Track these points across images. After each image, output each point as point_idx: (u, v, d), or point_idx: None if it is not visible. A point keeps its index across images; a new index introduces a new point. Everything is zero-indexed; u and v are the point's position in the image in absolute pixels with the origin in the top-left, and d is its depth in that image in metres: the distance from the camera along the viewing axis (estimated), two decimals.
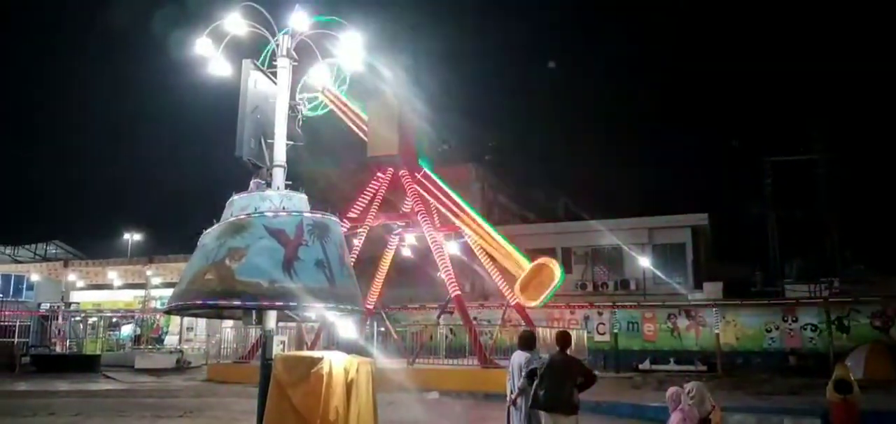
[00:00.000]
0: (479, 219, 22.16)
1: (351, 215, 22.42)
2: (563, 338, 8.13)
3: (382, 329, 23.92)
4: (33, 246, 43.11)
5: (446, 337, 23.90)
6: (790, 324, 24.62)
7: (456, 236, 23.10)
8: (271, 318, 7.05)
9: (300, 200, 7.12)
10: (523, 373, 8.23)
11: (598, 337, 26.64)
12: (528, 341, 8.76)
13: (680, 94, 73.25)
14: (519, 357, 8.47)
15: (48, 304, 36.84)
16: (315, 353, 7.20)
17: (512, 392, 8.41)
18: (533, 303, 20.60)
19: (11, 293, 38.62)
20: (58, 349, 30.96)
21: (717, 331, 24.55)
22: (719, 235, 34.06)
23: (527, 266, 20.46)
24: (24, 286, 39.33)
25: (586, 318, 27.15)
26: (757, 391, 17.26)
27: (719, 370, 23.24)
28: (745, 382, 19.37)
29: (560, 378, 7.54)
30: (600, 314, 27.31)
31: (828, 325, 23.87)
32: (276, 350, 7.28)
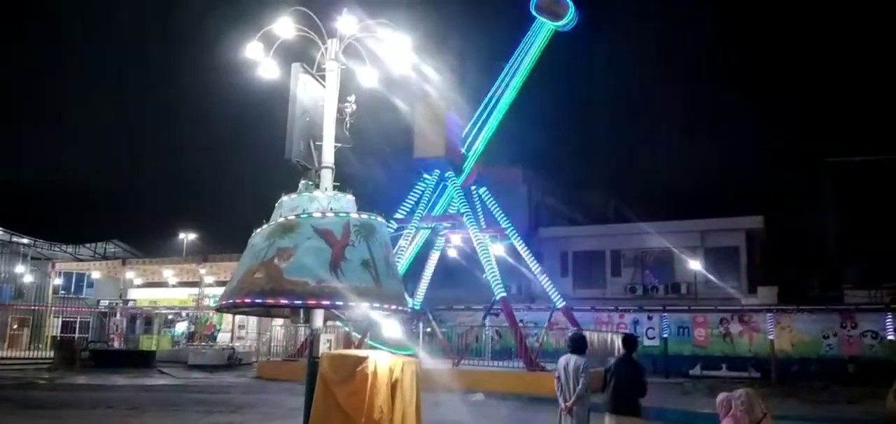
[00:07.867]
0: None
1: (397, 216, 22.62)
2: (631, 341, 8.44)
3: (428, 329, 24.02)
4: (93, 245, 44.45)
5: (492, 338, 23.87)
6: (849, 331, 23.78)
7: (501, 238, 23.06)
8: (318, 317, 7.15)
9: (347, 201, 7.19)
10: (581, 380, 7.69)
11: (647, 342, 26.16)
12: (580, 344, 8.19)
13: (734, 92, 71.37)
14: (571, 361, 7.87)
15: (107, 301, 38.15)
16: (360, 352, 7.27)
17: (567, 400, 7.78)
18: None
19: (73, 290, 40.03)
20: (116, 344, 32.06)
21: (771, 337, 23.89)
22: (775, 238, 33.09)
23: None
24: (85, 283, 40.68)
25: (635, 322, 26.71)
26: (813, 399, 16.76)
27: (773, 377, 22.64)
28: (800, 390, 18.81)
29: (628, 381, 7.80)
30: (650, 318, 26.84)
31: (894, 331, 22.94)
32: (323, 348, 7.38)
